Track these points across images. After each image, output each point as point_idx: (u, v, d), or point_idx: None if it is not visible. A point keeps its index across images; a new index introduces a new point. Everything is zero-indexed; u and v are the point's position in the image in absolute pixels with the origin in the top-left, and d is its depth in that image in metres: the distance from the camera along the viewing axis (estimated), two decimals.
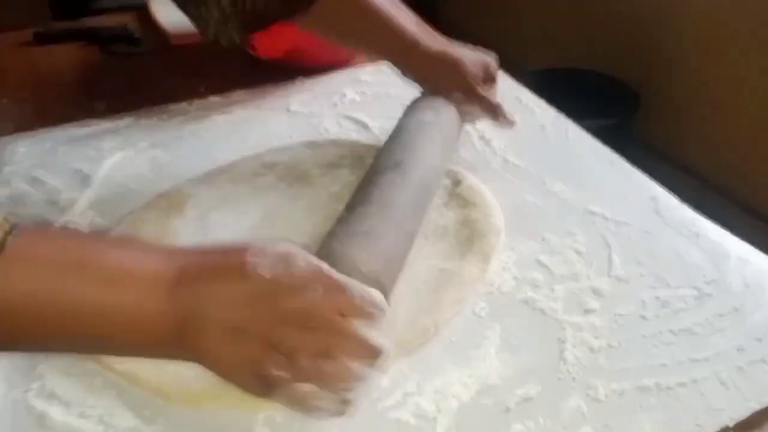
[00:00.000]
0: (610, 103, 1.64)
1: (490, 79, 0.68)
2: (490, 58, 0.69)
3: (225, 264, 0.40)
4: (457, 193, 0.62)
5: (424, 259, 0.55)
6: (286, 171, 0.64)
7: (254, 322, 0.38)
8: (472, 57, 0.67)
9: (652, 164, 0.80)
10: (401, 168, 0.54)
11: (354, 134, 0.74)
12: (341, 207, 0.58)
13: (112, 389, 0.46)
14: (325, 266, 0.40)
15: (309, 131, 0.74)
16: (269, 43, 0.82)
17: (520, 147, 0.72)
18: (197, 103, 0.80)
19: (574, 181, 0.66)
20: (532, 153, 0.70)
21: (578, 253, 0.58)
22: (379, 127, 0.75)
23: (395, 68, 0.69)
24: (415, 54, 0.66)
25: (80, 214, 0.61)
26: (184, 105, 0.79)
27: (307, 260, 0.40)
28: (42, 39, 0.96)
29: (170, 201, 0.60)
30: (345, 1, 0.65)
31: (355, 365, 0.39)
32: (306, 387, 0.39)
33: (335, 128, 0.75)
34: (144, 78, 0.87)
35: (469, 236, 0.57)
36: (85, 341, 0.39)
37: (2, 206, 0.62)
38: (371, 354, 0.39)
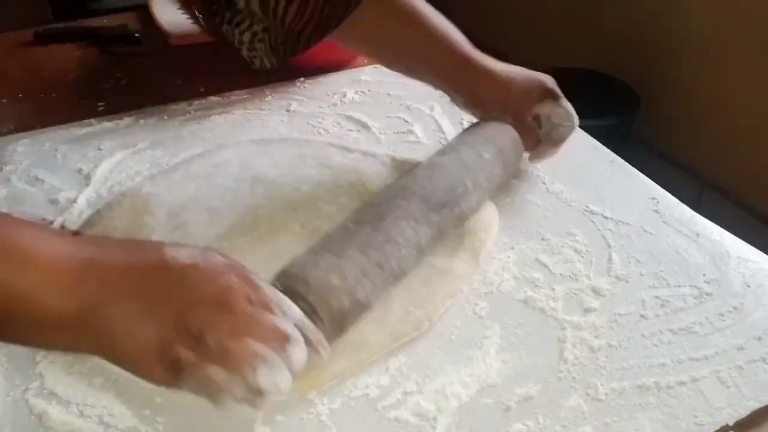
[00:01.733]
0: (610, 103, 1.64)
1: (550, 95, 0.63)
2: (545, 78, 0.64)
3: (143, 257, 0.41)
4: None
5: None
6: (241, 171, 0.64)
7: (165, 304, 0.39)
8: (524, 77, 0.63)
9: (652, 164, 0.80)
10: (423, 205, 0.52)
11: (354, 134, 0.74)
12: (321, 205, 0.60)
13: (111, 389, 0.46)
14: (240, 263, 0.42)
15: (309, 131, 0.74)
16: None
17: None
18: (197, 103, 0.80)
19: (573, 181, 0.66)
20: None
21: (578, 252, 0.58)
22: (380, 127, 0.75)
23: (443, 89, 0.65)
24: (467, 71, 0.62)
25: (79, 214, 0.61)
26: (184, 105, 0.79)
27: (224, 255, 0.42)
28: (42, 39, 0.96)
29: (132, 199, 0.60)
30: (390, 11, 0.60)
31: (261, 347, 0.39)
32: (213, 369, 0.38)
33: (335, 128, 0.75)
34: (144, 78, 0.87)
35: (460, 233, 0.57)
36: None
37: (2, 205, 0.62)
38: (278, 338, 0.39)
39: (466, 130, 0.64)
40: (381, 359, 0.48)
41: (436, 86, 0.67)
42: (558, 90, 0.64)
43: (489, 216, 0.60)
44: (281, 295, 0.42)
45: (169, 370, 0.39)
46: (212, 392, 0.39)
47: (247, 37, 0.60)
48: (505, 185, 0.64)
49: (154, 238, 0.57)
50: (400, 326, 0.49)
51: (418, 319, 0.50)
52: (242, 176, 0.64)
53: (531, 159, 0.66)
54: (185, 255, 0.41)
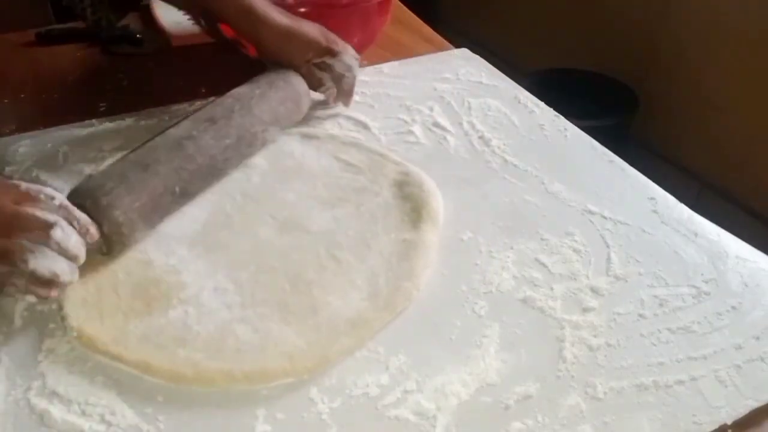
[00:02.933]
0: (610, 103, 1.64)
1: (328, 52, 0.73)
2: (321, 37, 0.73)
3: None
4: (385, 174, 0.66)
5: (384, 235, 0.58)
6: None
7: None
8: (302, 34, 0.72)
9: (651, 164, 0.80)
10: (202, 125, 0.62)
11: (354, 134, 0.74)
12: (279, 194, 0.63)
13: (113, 388, 0.46)
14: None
15: (309, 132, 0.74)
16: None
17: (519, 147, 0.72)
18: (199, 104, 0.80)
19: (572, 181, 0.66)
20: (530, 153, 0.71)
21: (577, 252, 0.58)
22: (379, 127, 0.75)
23: (237, 32, 0.75)
24: (249, 19, 0.71)
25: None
26: (185, 106, 0.79)
27: None
28: (44, 39, 0.96)
29: None
30: None
31: (27, 242, 0.46)
32: None
33: (335, 128, 0.75)
34: (145, 79, 0.88)
35: (414, 207, 0.61)
36: None
37: None
38: (42, 226, 0.47)
39: (257, 76, 0.72)
40: (381, 358, 0.48)
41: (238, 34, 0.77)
42: (335, 45, 0.74)
43: (430, 186, 0.64)
44: (42, 186, 0.50)
45: None
46: None
47: (87, 1, 0.69)
48: (297, 118, 0.73)
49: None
50: (392, 299, 0.52)
51: (407, 289, 0.53)
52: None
53: (333, 101, 0.77)
54: None
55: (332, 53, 0.74)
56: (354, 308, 0.51)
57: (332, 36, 0.75)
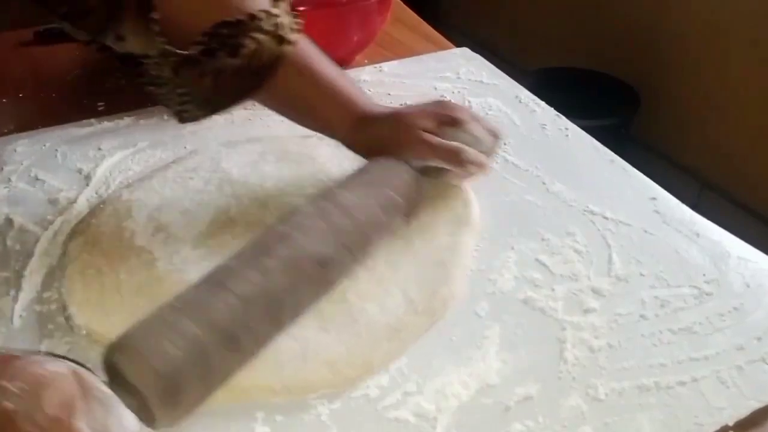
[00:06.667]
0: (610, 103, 1.64)
1: (446, 122, 0.59)
2: (439, 105, 0.62)
3: None
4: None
5: (417, 240, 0.57)
6: (210, 174, 0.65)
7: None
8: (416, 110, 0.62)
9: (652, 164, 0.80)
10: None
11: None
12: (289, 199, 0.61)
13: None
14: (67, 419, 0.34)
15: (309, 132, 0.74)
16: None
17: (519, 147, 0.72)
18: None
19: (573, 181, 0.66)
20: (531, 153, 0.71)
21: (578, 252, 0.58)
22: None
23: (343, 142, 0.63)
24: (366, 123, 0.61)
25: (78, 214, 0.61)
26: None
27: (60, 400, 0.34)
28: (42, 38, 0.96)
29: (114, 206, 0.61)
30: (299, 74, 0.60)
31: None
32: None
33: None
34: None
35: (450, 213, 0.60)
36: None
37: (2, 205, 0.62)
38: None
39: (365, 174, 0.57)
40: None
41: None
42: (459, 114, 0.60)
43: (466, 193, 0.62)
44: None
45: None
46: None
47: (176, 98, 0.59)
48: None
49: (137, 240, 0.57)
50: (431, 306, 0.51)
51: (444, 296, 0.52)
52: (211, 179, 0.65)
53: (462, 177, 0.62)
54: (9, 393, 0.34)
55: (452, 123, 0.60)
56: (392, 314, 0.50)
57: (443, 108, 0.62)
